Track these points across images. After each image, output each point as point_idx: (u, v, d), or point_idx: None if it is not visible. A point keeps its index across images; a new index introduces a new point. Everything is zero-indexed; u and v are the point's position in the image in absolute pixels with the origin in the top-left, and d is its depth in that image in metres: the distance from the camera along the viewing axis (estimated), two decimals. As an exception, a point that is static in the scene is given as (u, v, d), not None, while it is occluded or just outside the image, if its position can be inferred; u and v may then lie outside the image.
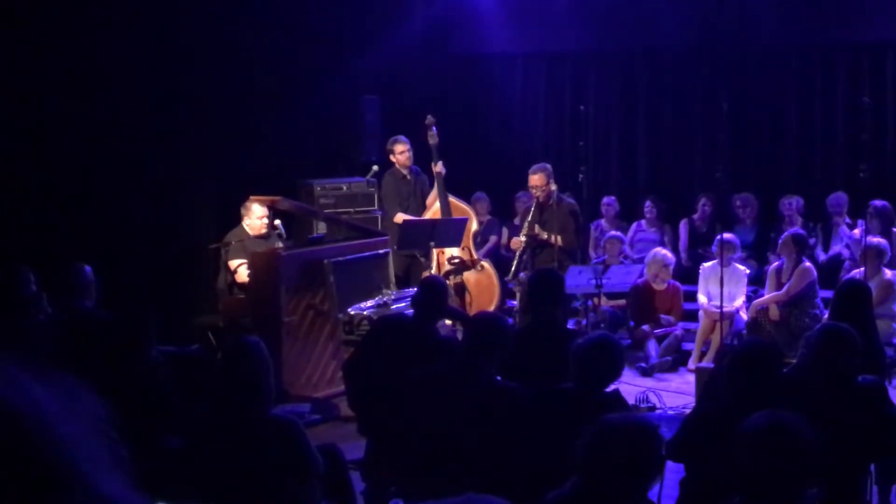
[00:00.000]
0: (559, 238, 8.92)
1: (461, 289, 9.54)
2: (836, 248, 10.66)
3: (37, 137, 8.46)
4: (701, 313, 9.79)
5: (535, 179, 9.07)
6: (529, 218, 9.04)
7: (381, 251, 8.78)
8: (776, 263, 9.69)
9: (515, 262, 9.12)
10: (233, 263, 8.60)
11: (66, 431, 1.00)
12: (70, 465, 0.98)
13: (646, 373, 9.43)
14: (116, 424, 1.07)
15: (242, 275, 8.47)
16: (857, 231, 10.23)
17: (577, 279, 8.96)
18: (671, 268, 10.14)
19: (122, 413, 1.12)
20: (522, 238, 9.04)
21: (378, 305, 7.92)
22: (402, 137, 9.90)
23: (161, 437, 4.58)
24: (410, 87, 11.72)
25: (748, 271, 9.98)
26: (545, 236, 8.95)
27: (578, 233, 9.47)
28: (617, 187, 12.55)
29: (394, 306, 7.84)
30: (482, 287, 9.58)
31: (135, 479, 1.05)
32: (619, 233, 11.31)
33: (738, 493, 3.17)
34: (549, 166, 9.32)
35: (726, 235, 9.59)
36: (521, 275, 9.04)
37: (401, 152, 9.82)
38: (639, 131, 12.67)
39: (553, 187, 9.18)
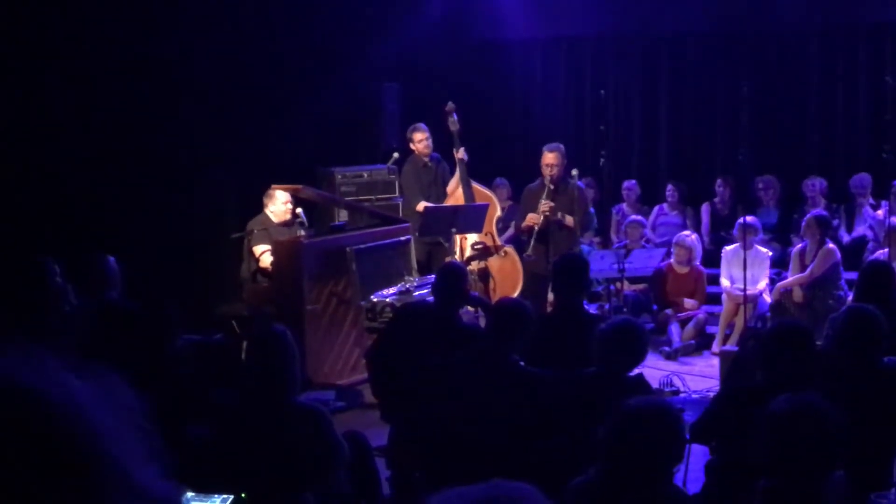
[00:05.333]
0: (570, 219, 8.88)
1: (485, 274, 9.54)
2: (859, 229, 10.60)
3: (58, 128, 8.50)
4: (724, 296, 9.76)
5: (550, 158, 8.98)
6: (544, 195, 8.92)
7: (402, 238, 8.80)
8: (799, 245, 9.65)
9: (534, 239, 8.93)
10: (257, 249, 8.64)
11: (101, 422, 1.01)
12: (105, 455, 0.99)
13: (669, 356, 9.42)
14: (148, 416, 1.08)
15: (266, 261, 8.50)
16: (880, 212, 10.17)
17: (599, 264, 8.94)
18: (694, 250, 10.12)
19: (148, 402, 1.14)
20: (541, 213, 8.87)
21: (400, 292, 7.93)
22: (421, 126, 9.85)
23: (187, 426, 4.60)
24: (430, 74, 11.70)
25: (770, 253, 9.94)
26: (559, 215, 8.91)
27: (587, 216, 9.35)
28: (638, 171, 12.51)
29: (416, 293, 7.86)
30: (506, 273, 9.57)
31: (165, 470, 1.06)
32: (640, 217, 11.28)
33: (764, 476, 3.16)
34: (563, 146, 9.25)
35: (748, 218, 9.55)
36: (525, 256, 9.04)
37: (419, 140, 9.78)
38: (660, 115, 12.62)
39: (574, 171, 9.12)
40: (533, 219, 8.87)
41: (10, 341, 1.06)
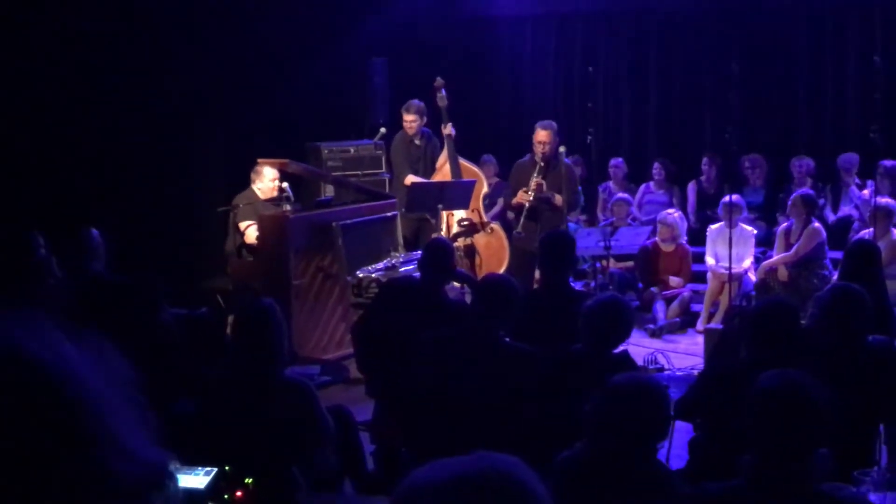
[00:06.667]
0: (559, 198, 8.85)
1: (471, 251, 9.53)
2: (845, 208, 10.63)
3: (44, 101, 8.44)
4: (709, 275, 9.79)
5: (543, 135, 8.91)
6: (535, 172, 8.87)
7: (389, 214, 8.78)
8: (785, 224, 9.68)
9: (524, 216, 8.88)
10: (242, 225, 8.61)
11: (94, 387, 1.01)
12: (97, 419, 1.00)
13: (654, 334, 9.45)
14: (139, 386, 1.08)
15: (251, 236, 8.47)
16: (866, 191, 10.19)
17: (585, 241, 8.94)
18: (678, 227, 10.12)
19: (134, 375, 1.13)
20: (531, 191, 8.81)
21: (387, 268, 7.93)
22: (413, 105, 9.69)
23: (173, 400, 4.59)
24: (419, 49, 11.66)
25: (755, 232, 9.97)
26: (549, 194, 8.87)
27: (575, 195, 9.35)
28: (626, 149, 12.51)
29: (402, 269, 7.85)
30: (492, 249, 9.57)
31: (154, 438, 1.07)
32: (626, 195, 11.28)
33: (748, 453, 3.18)
34: (555, 124, 9.20)
35: (733, 197, 9.58)
36: (515, 233, 8.98)
37: (406, 121, 9.71)
38: (648, 93, 12.61)
39: (561, 149, 9.08)
40: (523, 196, 8.84)
41: (6, 308, 1.06)
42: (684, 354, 8.65)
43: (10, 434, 0.96)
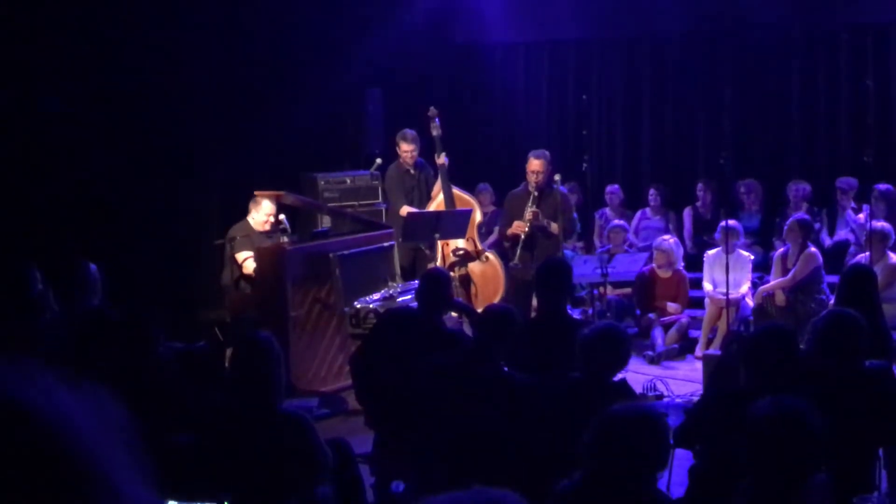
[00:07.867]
0: (555, 226, 8.86)
1: (466, 280, 9.53)
2: (841, 233, 10.64)
3: (40, 134, 8.47)
4: (707, 300, 9.78)
5: (537, 165, 8.93)
6: (530, 202, 8.89)
7: (386, 244, 8.78)
8: (782, 249, 9.68)
9: (520, 247, 8.90)
10: (240, 256, 8.60)
11: (90, 435, 1.01)
12: (94, 469, 0.99)
13: (653, 361, 9.43)
14: (136, 431, 1.08)
15: (249, 267, 8.47)
16: (861, 215, 10.21)
17: (582, 268, 8.94)
18: (673, 253, 10.11)
19: (132, 410, 1.13)
20: (526, 222, 8.82)
21: (384, 298, 7.92)
22: (408, 134, 9.75)
23: (171, 434, 4.59)
24: (413, 79, 11.71)
25: (752, 257, 9.97)
26: (544, 222, 8.88)
27: (570, 222, 9.36)
28: (621, 175, 12.52)
29: (400, 299, 7.85)
30: (487, 278, 9.57)
31: (151, 484, 1.07)
32: (622, 222, 11.29)
33: (746, 479, 3.17)
34: (548, 153, 9.22)
35: (730, 222, 9.58)
36: (511, 265, 8.97)
37: (403, 150, 9.75)
38: (642, 119, 12.64)
39: (556, 176, 9.09)
40: (519, 227, 8.85)
41: (1, 354, 1.06)
42: (683, 381, 8.63)
43: (9, 487, 0.95)
